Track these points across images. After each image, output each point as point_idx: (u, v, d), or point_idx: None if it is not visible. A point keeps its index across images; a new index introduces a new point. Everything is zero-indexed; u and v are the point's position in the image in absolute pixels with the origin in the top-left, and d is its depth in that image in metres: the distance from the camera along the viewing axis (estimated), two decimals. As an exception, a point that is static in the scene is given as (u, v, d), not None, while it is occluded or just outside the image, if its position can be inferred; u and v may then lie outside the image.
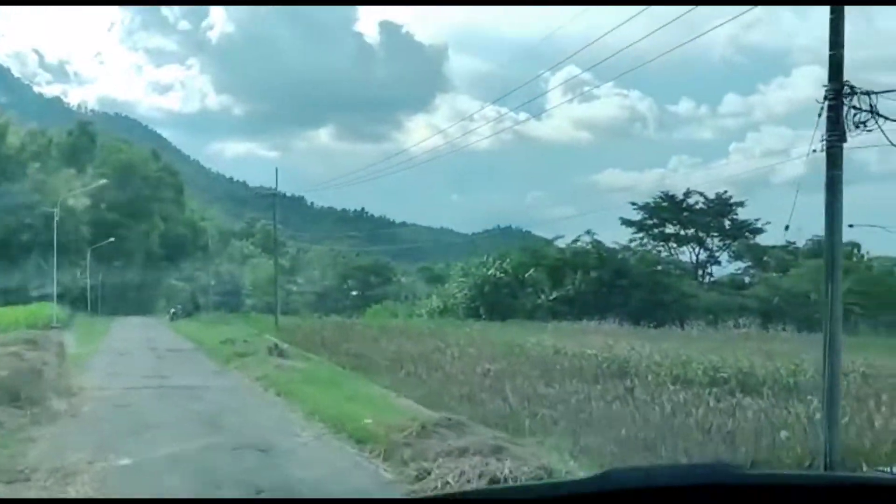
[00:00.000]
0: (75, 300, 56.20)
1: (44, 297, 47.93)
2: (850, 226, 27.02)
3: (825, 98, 12.14)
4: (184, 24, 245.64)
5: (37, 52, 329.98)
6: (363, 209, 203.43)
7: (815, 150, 12.34)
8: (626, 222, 70.91)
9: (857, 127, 12.12)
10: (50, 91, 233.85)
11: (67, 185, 56.66)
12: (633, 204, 72.55)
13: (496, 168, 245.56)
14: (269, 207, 68.88)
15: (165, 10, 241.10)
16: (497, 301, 58.35)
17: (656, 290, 52.41)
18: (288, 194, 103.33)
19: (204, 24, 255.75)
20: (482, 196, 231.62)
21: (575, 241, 59.81)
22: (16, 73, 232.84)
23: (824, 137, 12.20)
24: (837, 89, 12.02)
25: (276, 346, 24.01)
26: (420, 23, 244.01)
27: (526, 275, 59.51)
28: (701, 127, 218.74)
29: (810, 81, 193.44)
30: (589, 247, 58.00)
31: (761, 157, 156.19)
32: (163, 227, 72.30)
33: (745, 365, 19.89)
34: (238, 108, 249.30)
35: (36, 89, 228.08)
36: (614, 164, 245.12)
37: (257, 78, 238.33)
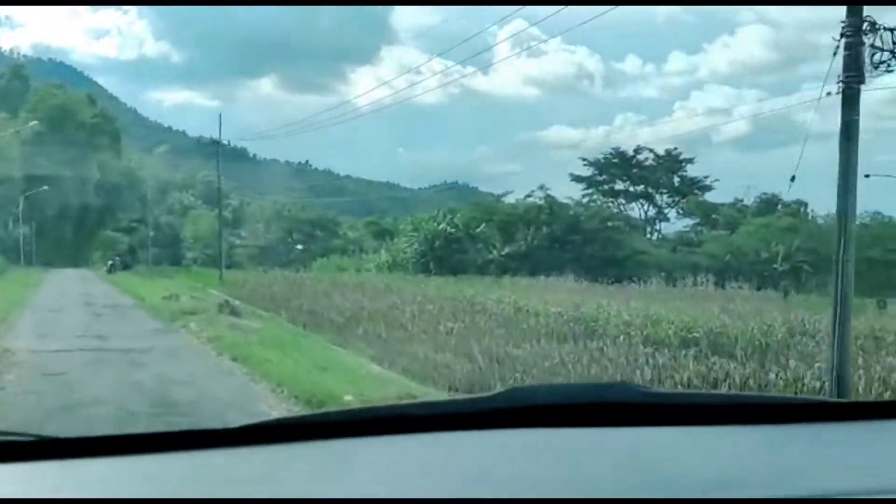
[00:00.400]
0: (7, 251, 53.11)
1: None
2: (867, 175, 26.04)
3: (842, 35, 10.97)
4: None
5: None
6: (307, 162, 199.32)
7: (829, 94, 11.22)
8: (577, 178, 70.26)
9: (877, 67, 11.02)
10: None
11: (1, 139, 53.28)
12: (584, 160, 71.92)
13: (443, 123, 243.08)
14: (211, 158, 66.67)
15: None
16: (447, 256, 57.14)
17: (609, 246, 51.60)
18: (230, 145, 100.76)
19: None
20: (429, 151, 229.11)
21: (528, 196, 58.72)
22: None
23: (841, 79, 11.06)
24: (857, 25, 10.86)
25: (226, 302, 22.02)
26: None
27: (477, 230, 58.33)
28: (647, 85, 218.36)
29: (754, 41, 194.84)
30: (542, 202, 56.90)
31: (704, 115, 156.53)
32: (99, 175, 69.04)
33: (715, 325, 19.00)
34: (177, 56, 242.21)
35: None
36: (561, 120, 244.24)
37: (197, 25, 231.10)
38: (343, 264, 78.22)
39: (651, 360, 15.18)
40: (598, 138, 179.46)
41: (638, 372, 14.28)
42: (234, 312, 20.26)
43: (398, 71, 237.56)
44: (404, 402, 5.46)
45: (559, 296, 26.22)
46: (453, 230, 58.14)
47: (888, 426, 1.94)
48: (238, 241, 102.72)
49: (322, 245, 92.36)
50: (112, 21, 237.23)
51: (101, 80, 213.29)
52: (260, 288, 33.24)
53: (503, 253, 54.48)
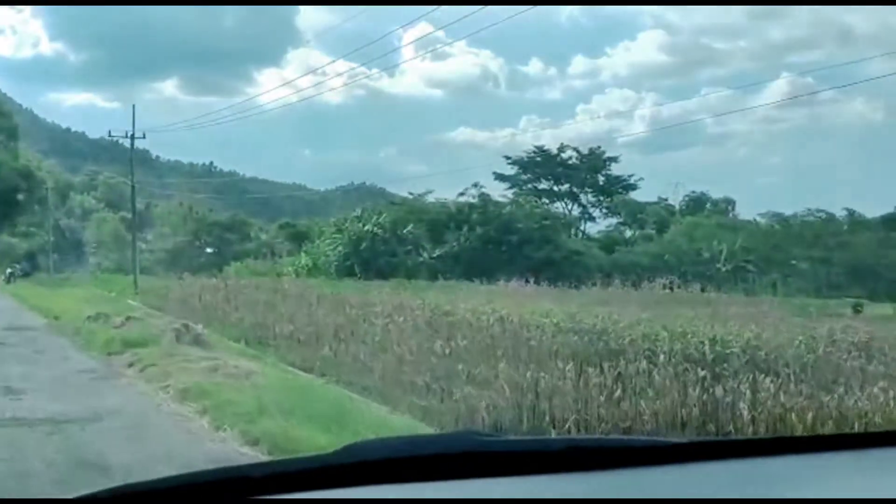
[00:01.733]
0: None
1: None
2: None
3: None
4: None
5: None
6: (212, 163, 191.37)
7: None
8: (500, 177, 67.55)
9: None
10: None
11: None
12: (507, 158, 69.43)
13: (348, 124, 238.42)
14: (112, 161, 62.14)
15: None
16: (373, 259, 53.52)
17: (545, 246, 48.70)
18: (130, 146, 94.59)
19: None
20: (334, 152, 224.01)
21: (461, 194, 55.48)
22: None
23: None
24: None
25: (185, 326, 15.16)
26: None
27: (404, 231, 54.93)
28: (550, 88, 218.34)
29: (654, 46, 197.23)
30: (476, 200, 53.77)
31: (606, 118, 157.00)
32: None
33: (750, 336, 16.13)
34: (75, 56, 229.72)
35: None
36: (466, 122, 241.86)
37: (95, 25, 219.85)
38: (258, 268, 73.77)
39: (718, 385, 12.12)
40: (504, 139, 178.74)
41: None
42: (198, 341, 14.08)
43: (303, 72, 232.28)
44: (238, 465, 3.43)
45: (526, 301, 23.05)
46: (380, 231, 54.54)
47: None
48: (144, 246, 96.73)
49: (234, 248, 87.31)
50: (4, 20, 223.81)
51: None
52: (187, 298, 28.77)
53: (434, 255, 51.19)
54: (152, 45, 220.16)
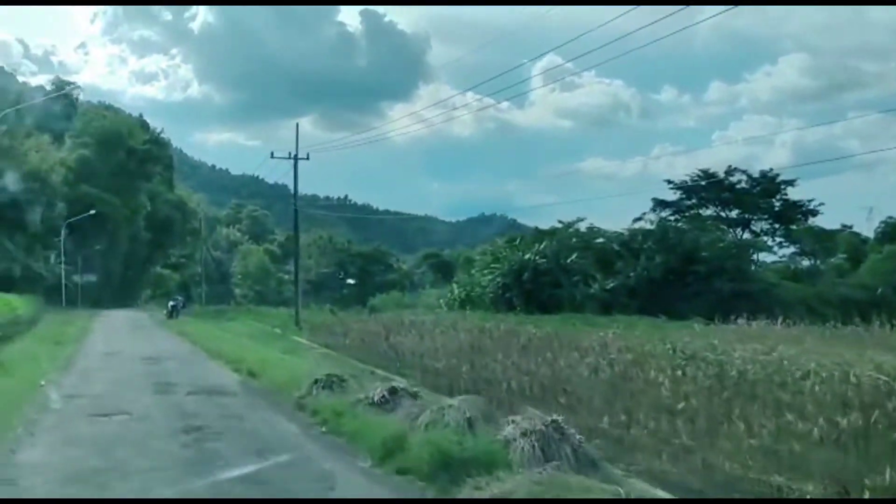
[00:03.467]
0: (50, 289, 43.83)
1: (13, 287, 37.08)
2: None
3: None
4: (167, 15, 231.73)
5: (21, 42, 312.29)
6: (346, 196, 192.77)
7: None
8: (660, 203, 61.51)
9: None
10: (35, 81, 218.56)
11: (41, 154, 44.14)
12: (669, 182, 63.28)
13: (477, 156, 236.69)
14: (252, 195, 59.68)
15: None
16: (535, 290, 48.43)
17: (739, 278, 42.42)
18: (270, 182, 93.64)
19: (187, 15, 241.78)
20: (463, 184, 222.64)
21: (637, 219, 49.87)
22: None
23: None
24: None
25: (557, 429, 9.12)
26: (401, 11, 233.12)
27: (567, 260, 49.67)
28: (684, 115, 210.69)
29: (796, 69, 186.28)
30: (653, 227, 48.04)
31: (744, 144, 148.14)
32: (150, 207, 60.57)
33: None
34: (220, 97, 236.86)
35: (20, 79, 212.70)
36: (597, 152, 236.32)
37: (239, 67, 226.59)
38: (405, 300, 70.10)
39: None
40: (635, 169, 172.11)
41: None
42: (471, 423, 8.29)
43: (434, 106, 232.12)
44: None
45: (831, 350, 17.34)
46: (542, 260, 49.49)
47: None
48: (287, 277, 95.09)
49: (377, 280, 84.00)
50: (158, 65, 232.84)
51: (148, 122, 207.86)
52: (366, 336, 24.24)
53: (607, 287, 45.66)
54: (291, 84, 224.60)
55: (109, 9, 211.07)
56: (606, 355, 16.54)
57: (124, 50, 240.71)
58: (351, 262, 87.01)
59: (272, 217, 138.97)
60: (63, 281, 44.15)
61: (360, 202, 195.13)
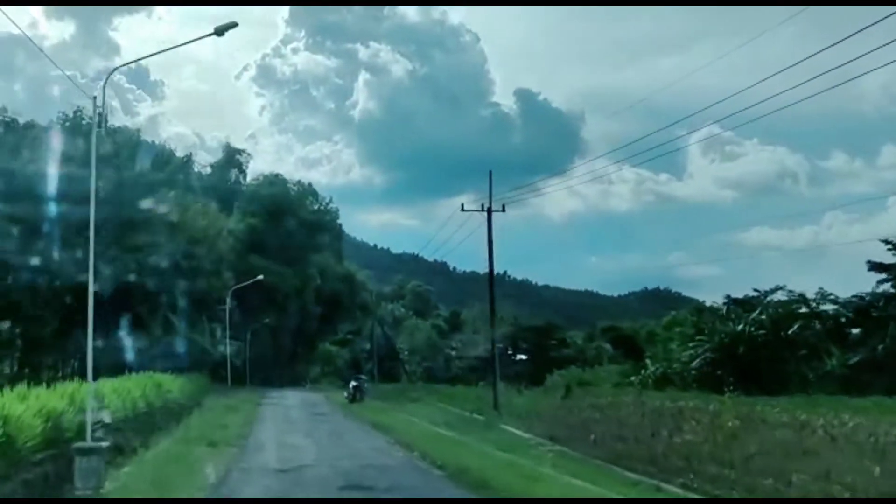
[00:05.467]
0: (216, 365, 39.15)
1: (175, 366, 32.87)
2: None
3: None
4: (329, 105, 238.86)
5: (198, 135, 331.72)
6: (505, 272, 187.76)
7: None
8: (876, 267, 51.84)
9: None
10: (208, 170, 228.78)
11: (209, 223, 40.39)
12: (886, 242, 53.61)
13: (635, 229, 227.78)
14: (412, 273, 55.84)
15: (313, 91, 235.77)
16: (753, 367, 40.43)
17: None
18: (429, 259, 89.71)
19: (348, 103, 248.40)
20: (621, 258, 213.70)
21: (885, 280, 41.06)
22: (179, 154, 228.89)
23: None
24: None
25: None
26: (554, 89, 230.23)
27: (788, 332, 41.47)
28: (857, 181, 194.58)
29: None
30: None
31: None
32: (319, 280, 56.51)
33: None
34: (380, 179, 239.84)
35: (196, 168, 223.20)
36: (762, 221, 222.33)
37: (398, 150, 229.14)
38: (584, 377, 62.74)
39: None
40: (806, 238, 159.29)
41: None
42: None
43: (590, 180, 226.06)
44: None
45: None
46: (761, 332, 41.55)
47: None
48: (454, 353, 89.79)
49: (548, 355, 76.78)
50: (321, 151, 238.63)
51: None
52: (622, 430, 17.57)
53: (851, 362, 37.18)
54: (447, 164, 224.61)
55: (276, 101, 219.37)
56: None
57: (290, 138, 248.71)
58: (522, 337, 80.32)
59: (433, 292, 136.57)
60: (228, 356, 39.05)
61: (518, 277, 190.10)
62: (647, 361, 51.40)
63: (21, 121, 41.67)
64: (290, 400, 34.98)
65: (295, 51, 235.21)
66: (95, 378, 13.78)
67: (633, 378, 52.01)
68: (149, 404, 17.25)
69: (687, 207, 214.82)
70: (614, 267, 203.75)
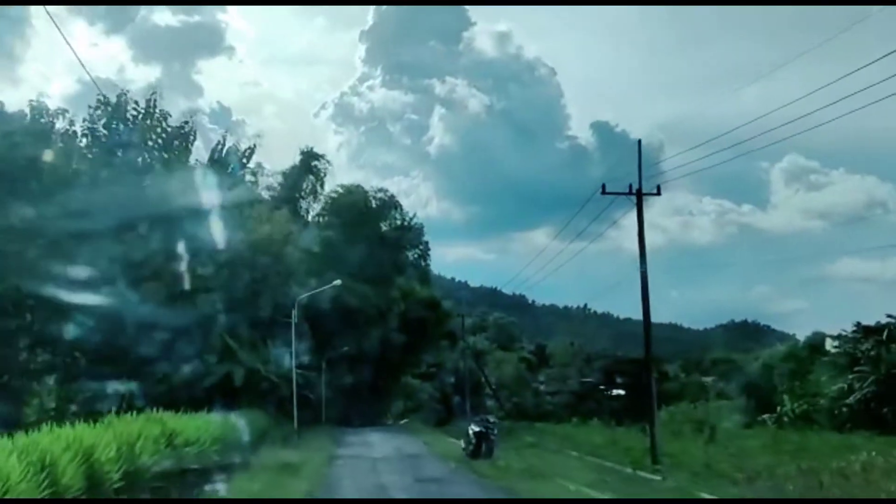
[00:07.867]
0: (281, 399, 30.92)
1: (234, 397, 26.29)
2: None
3: None
4: (406, 140, 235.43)
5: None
6: (586, 306, 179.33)
7: None
8: None
9: None
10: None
11: (273, 227, 33.08)
12: None
13: (718, 261, 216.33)
14: (491, 306, 49.16)
15: (390, 126, 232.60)
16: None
17: None
18: (508, 293, 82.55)
19: (424, 139, 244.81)
20: (703, 291, 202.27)
21: None
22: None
23: None
24: None
25: None
26: (631, 121, 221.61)
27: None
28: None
29: None
30: None
31: None
32: (403, 305, 49.00)
33: None
34: (457, 214, 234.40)
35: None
36: (850, 252, 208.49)
37: (475, 184, 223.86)
38: (695, 415, 54.31)
39: None
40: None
41: None
42: None
43: (670, 213, 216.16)
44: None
45: None
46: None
47: None
48: (542, 388, 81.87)
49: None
50: (399, 186, 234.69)
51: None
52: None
53: None
54: (524, 198, 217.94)
55: (354, 138, 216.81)
56: None
57: (368, 173, 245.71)
58: (619, 370, 72.11)
59: (513, 327, 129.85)
60: (294, 390, 30.74)
61: (599, 310, 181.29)
62: (785, 398, 42.98)
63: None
64: (377, 450, 26.01)
65: (371, 88, 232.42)
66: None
67: (764, 416, 43.92)
68: (133, 472, 10.09)
69: (771, 239, 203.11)
70: (697, 299, 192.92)
